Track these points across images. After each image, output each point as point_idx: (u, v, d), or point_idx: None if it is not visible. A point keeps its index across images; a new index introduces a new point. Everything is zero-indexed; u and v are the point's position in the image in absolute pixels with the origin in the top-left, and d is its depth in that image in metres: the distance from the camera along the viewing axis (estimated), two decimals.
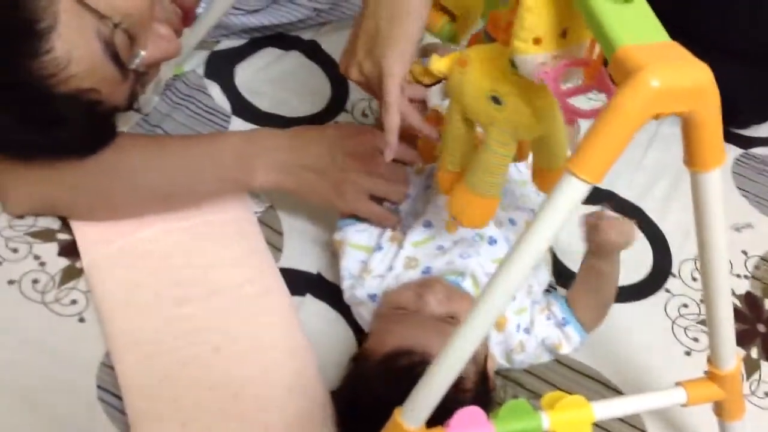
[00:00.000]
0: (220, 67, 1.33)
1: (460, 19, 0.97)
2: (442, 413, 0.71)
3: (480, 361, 0.90)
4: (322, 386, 0.96)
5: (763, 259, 1.20)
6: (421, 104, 0.90)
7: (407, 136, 0.94)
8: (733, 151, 1.36)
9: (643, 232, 1.21)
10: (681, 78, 0.56)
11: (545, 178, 0.88)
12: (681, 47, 0.59)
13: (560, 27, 0.70)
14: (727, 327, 0.77)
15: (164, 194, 1.03)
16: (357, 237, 1.03)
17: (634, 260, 1.16)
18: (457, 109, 0.83)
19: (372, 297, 0.98)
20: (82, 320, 0.98)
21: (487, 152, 0.81)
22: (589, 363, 1.04)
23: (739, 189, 1.30)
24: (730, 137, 1.37)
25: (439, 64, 0.84)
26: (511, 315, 0.96)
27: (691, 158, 0.63)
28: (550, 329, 0.97)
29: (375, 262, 1.00)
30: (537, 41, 0.70)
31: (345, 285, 1.01)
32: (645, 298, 1.13)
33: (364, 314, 1.00)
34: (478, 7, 0.94)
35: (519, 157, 0.87)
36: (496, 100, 0.78)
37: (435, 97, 0.87)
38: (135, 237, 1.05)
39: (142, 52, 0.90)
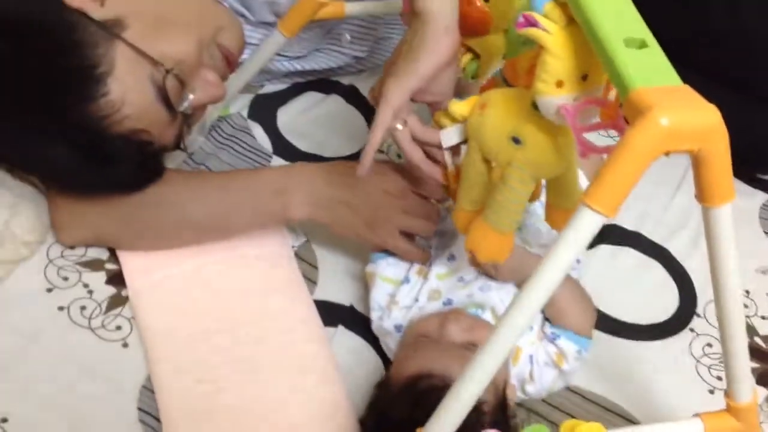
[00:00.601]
0: (264, 109, 1.39)
1: (484, 58, 1.01)
2: None
3: (499, 388, 0.93)
4: (351, 413, 1.00)
5: None
6: (445, 150, 0.93)
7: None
8: (761, 197, 1.38)
9: (670, 273, 1.23)
10: (689, 118, 0.60)
11: (558, 216, 0.91)
12: (692, 90, 0.63)
13: (581, 71, 0.74)
14: (742, 359, 0.79)
15: (205, 226, 1.09)
16: (387, 270, 1.07)
17: (662, 300, 1.19)
18: (476, 149, 0.87)
19: (398, 327, 1.03)
20: (125, 345, 1.03)
21: (506, 190, 0.85)
22: (612, 398, 1.06)
23: (766, 233, 1.32)
24: (757, 183, 1.40)
25: (459, 107, 0.87)
26: (525, 346, 0.99)
27: (702, 194, 0.66)
28: (545, 348, 1.00)
29: (402, 294, 1.05)
30: (559, 84, 0.74)
31: (373, 316, 1.06)
32: (670, 336, 1.15)
33: (390, 344, 1.04)
34: (500, 49, 0.98)
35: (532, 197, 0.91)
36: (516, 141, 0.82)
37: (450, 139, 0.90)
38: (179, 268, 1.10)
39: (191, 96, 0.97)
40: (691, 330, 1.16)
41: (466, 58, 1.01)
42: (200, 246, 1.11)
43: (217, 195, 1.08)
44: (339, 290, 1.15)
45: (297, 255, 1.17)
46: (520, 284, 0.99)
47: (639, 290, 1.21)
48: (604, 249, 1.24)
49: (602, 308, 1.14)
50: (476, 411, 0.74)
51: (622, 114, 0.67)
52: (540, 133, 0.80)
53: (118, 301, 1.07)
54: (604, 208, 0.63)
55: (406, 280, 1.06)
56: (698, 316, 1.18)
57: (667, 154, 0.61)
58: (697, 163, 0.64)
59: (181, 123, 0.99)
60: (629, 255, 1.25)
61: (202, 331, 1.05)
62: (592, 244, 1.21)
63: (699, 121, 0.61)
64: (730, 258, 0.71)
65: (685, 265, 1.24)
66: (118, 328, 1.04)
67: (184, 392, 0.99)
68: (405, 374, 0.92)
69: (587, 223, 0.64)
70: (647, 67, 0.65)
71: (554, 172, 0.84)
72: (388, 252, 1.08)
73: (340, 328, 1.10)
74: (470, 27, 0.95)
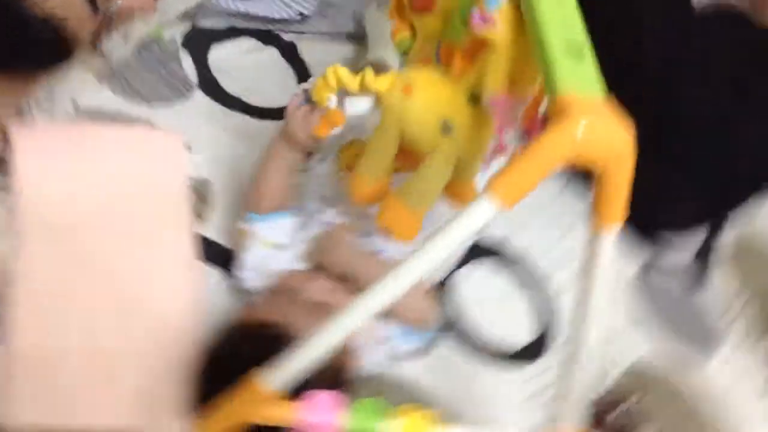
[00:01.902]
0: (197, 42, 1.36)
1: (420, 37, 1.02)
2: (299, 391, 0.75)
3: (343, 354, 0.94)
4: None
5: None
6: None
7: None
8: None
9: (536, 305, 1.25)
10: (604, 131, 0.62)
11: (455, 189, 0.92)
12: (615, 106, 0.64)
13: (520, 71, 0.75)
14: (577, 390, 0.79)
15: None
16: (267, 233, 1.06)
17: (523, 329, 1.22)
18: (393, 127, 0.87)
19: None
20: None
21: (430, 173, 0.86)
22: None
23: None
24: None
25: (379, 83, 0.86)
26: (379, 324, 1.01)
27: (595, 211, 0.68)
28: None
29: (278, 259, 1.05)
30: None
31: (246, 275, 1.06)
32: (522, 363, 1.18)
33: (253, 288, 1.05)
34: (437, 31, 0.99)
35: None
36: (446, 128, 0.83)
37: (358, 108, 0.91)
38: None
39: (119, 1, 0.97)
40: (544, 361, 1.18)
41: (404, 33, 1.01)
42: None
43: None
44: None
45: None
46: None
47: (505, 315, 1.23)
48: (482, 268, 1.25)
49: (468, 323, 1.16)
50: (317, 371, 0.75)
51: (540, 118, 0.69)
52: (471, 123, 0.81)
53: None
54: (503, 198, 0.63)
55: (283, 246, 1.06)
56: (551, 350, 1.20)
57: (574, 164, 0.62)
58: (599, 179, 0.65)
59: (102, 23, 1.00)
60: (505, 278, 1.26)
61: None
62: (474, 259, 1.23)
63: (612, 137, 0.62)
64: (600, 283, 0.72)
65: (557, 301, 1.26)
66: None
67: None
68: (257, 319, 0.93)
69: (483, 210, 0.65)
70: (580, 76, 0.66)
71: (474, 159, 0.85)
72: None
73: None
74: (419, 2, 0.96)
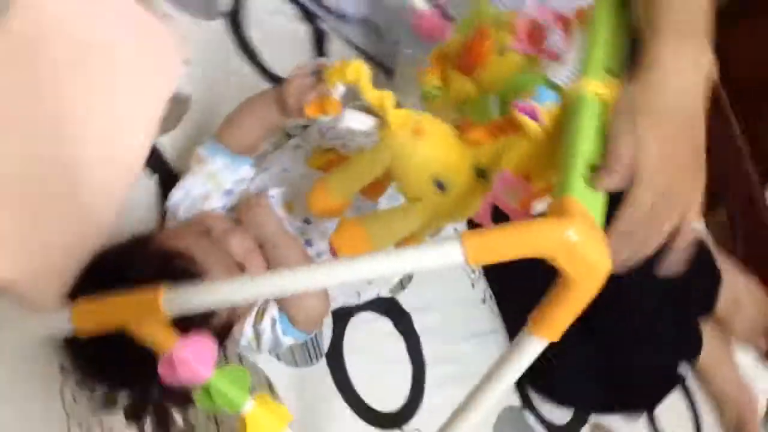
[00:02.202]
0: None
1: (448, 93, 1.04)
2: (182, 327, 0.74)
3: (236, 315, 0.95)
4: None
5: None
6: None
7: None
8: None
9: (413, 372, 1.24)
10: (590, 246, 0.63)
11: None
12: (605, 237, 0.66)
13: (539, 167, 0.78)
14: None
15: None
16: (222, 171, 1.05)
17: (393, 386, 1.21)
18: (385, 159, 0.85)
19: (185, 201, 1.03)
20: None
21: (403, 218, 0.86)
22: None
23: None
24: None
25: (395, 114, 0.84)
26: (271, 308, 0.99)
27: (537, 316, 0.68)
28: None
29: (215, 200, 1.04)
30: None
31: (176, 195, 1.04)
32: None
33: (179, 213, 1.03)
34: (466, 98, 1.01)
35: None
36: (440, 186, 0.83)
37: (356, 123, 0.86)
38: None
39: None
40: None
41: (434, 80, 1.02)
42: None
43: None
44: None
45: None
46: None
47: (384, 374, 1.21)
48: (377, 321, 1.24)
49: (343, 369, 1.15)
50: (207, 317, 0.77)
51: (532, 212, 0.72)
52: (463, 192, 0.82)
53: None
54: (470, 250, 0.63)
55: (224, 190, 1.04)
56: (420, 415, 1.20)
57: (546, 261, 0.64)
58: (561, 286, 0.66)
59: None
60: (394, 340, 1.25)
61: None
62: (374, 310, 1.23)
63: (597, 255, 0.64)
64: (504, 383, 0.73)
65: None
66: None
67: None
68: (170, 245, 0.91)
69: (449, 251, 0.64)
70: (589, 198, 0.70)
71: (445, 223, 0.86)
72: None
73: None
74: (468, 61, 0.98)
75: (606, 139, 0.76)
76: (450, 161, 0.83)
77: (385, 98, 0.83)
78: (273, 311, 0.99)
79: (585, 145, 0.74)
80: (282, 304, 0.99)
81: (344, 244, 0.87)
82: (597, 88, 0.78)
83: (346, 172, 0.90)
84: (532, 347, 0.69)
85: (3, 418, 0.85)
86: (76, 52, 0.96)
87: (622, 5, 0.90)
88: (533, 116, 0.78)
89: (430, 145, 0.83)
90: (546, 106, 0.79)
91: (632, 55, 0.84)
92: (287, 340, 0.99)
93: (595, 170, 0.73)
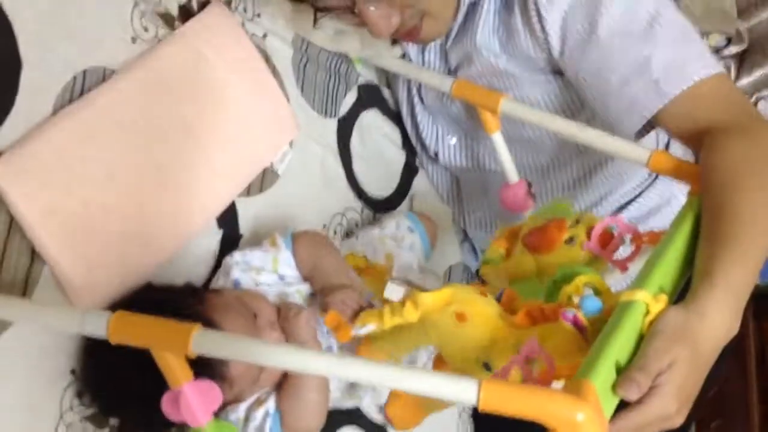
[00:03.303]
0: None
1: (504, 273, 1.07)
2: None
3: (244, 391, 0.99)
4: None
5: None
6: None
7: None
8: None
9: None
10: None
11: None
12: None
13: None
14: None
15: None
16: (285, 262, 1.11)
17: None
18: (424, 338, 0.90)
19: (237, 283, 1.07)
20: None
21: None
22: None
23: None
24: None
25: (426, 299, 0.85)
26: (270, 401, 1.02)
27: None
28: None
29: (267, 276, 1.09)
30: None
31: (237, 257, 1.09)
32: None
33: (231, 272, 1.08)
34: (523, 275, 1.05)
35: None
36: (487, 366, 0.85)
37: (394, 295, 0.88)
38: None
39: None
40: None
41: (501, 250, 1.07)
42: None
43: None
44: None
45: None
46: None
47: None
48: None
49: None
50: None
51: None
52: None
53: None
54: (481, 392, 0.66)
55: (282, 277, 1.10)
56: None
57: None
58: None
59: None
60: None
61: None
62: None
63: None
64: None
65: None
66: None
67: None
68: (217, 318, 0.95)
69: (465, 390, 0.68)
70: (607, 395, 0.73)
71: None
72: None
73: None
74: (539, 241, 1.03)
75: (640, 349, 0.79)
76: (494, 346, 0.85)
77: (420, 295, 0.85)
78: (270, 405, 1.01)
79: (620, 344, 0.77)
80: (282, 402, 1.02)
81: (400, 419, 1.00)
82: (648, 299, 0.82)
83: (391, 342, 0.95)
84: None
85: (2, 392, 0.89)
86: (213, 95, 1.06)
87: (694, 241, 0.94)
88: (576, 323, 0.82)
89: (473, 333, 0.86)
90: (593, 314, 0.83)
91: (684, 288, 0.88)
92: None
93: (620, 373, 0.76)
